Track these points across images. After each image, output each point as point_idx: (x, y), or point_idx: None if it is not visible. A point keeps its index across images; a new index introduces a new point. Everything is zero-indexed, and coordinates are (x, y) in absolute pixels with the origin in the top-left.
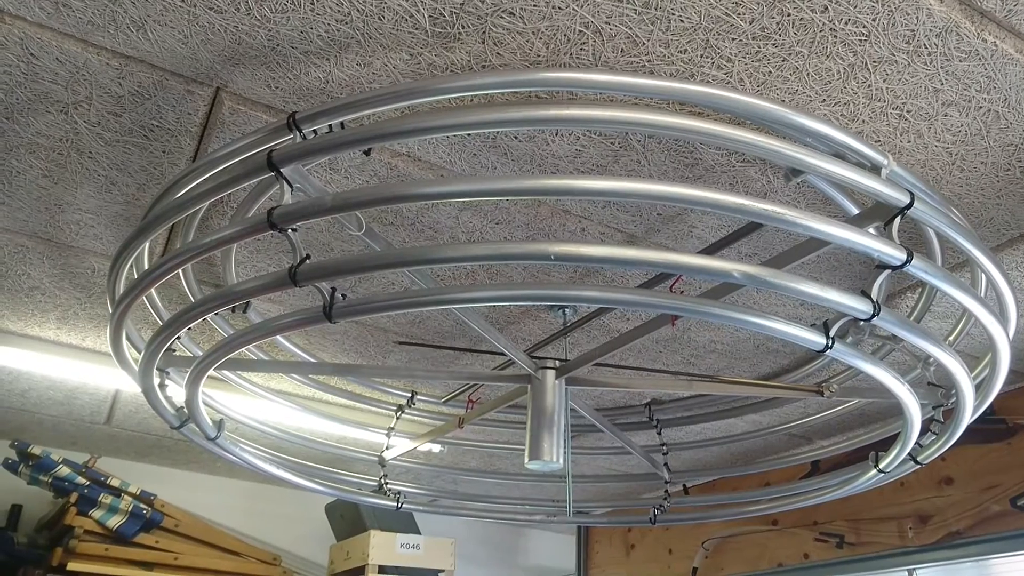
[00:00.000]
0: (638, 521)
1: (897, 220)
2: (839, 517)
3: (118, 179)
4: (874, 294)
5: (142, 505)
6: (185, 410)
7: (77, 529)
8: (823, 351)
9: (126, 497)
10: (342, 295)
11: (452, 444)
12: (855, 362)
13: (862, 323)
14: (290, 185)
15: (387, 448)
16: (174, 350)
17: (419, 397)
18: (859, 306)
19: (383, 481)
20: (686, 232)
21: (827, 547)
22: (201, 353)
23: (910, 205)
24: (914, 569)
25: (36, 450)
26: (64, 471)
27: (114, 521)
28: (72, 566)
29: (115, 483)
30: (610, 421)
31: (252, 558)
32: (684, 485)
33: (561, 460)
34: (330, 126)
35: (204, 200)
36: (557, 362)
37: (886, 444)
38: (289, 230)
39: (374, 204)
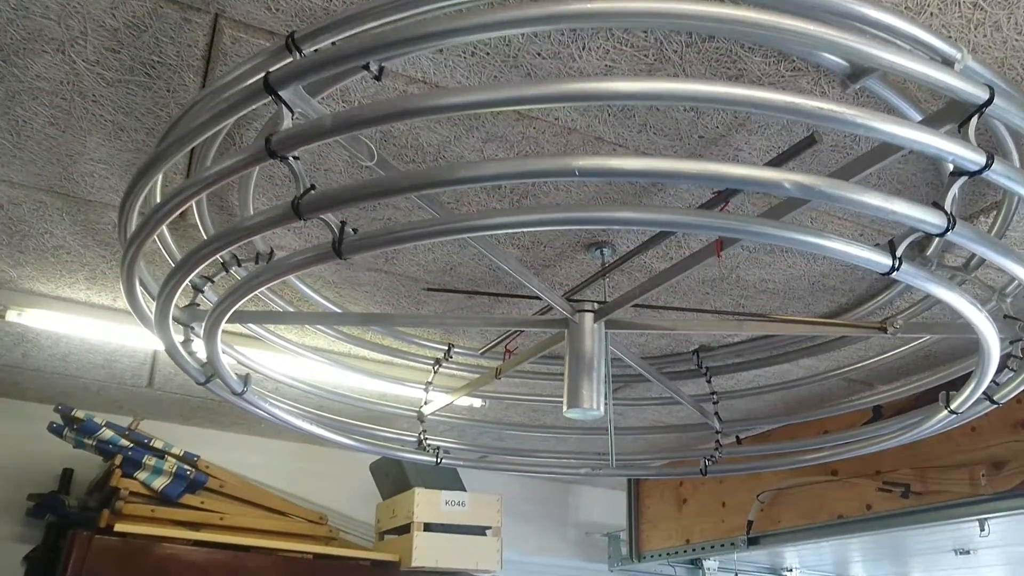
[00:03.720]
0: (688, 473)
1: (974, 120)
2: (904, 465)
3: (126, 124)
4: (947, 205)
5: (186, 466)
6: (211, 365)
7: (123, 491)
8: (888, 273)
9: (169, 459)
10: (353, 230)
11: (494, 398)
12: (925, 286)
13: (935, 238)
14: (291, 110)
15: (425, 403)
16: (198, 304)
17: (456, 350)
18: (931, 219)
19: (422, 437)
20: (731, 156)
21: (891, 497)
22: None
23: (989, 102)
24: (986, 519)
25: (80, 414)
26: (107, 434)
27: (159, 482)
28: (119, 527)
29: (158, 445)
30: (657, 370)
31: (298, 517)
32: (737, 436)
33: (602, 408)
34: (334, 44)
35: (204, 131)
36: (596, 305)
37: (956, 386)
38: (291, 158)
39: (379, 122)
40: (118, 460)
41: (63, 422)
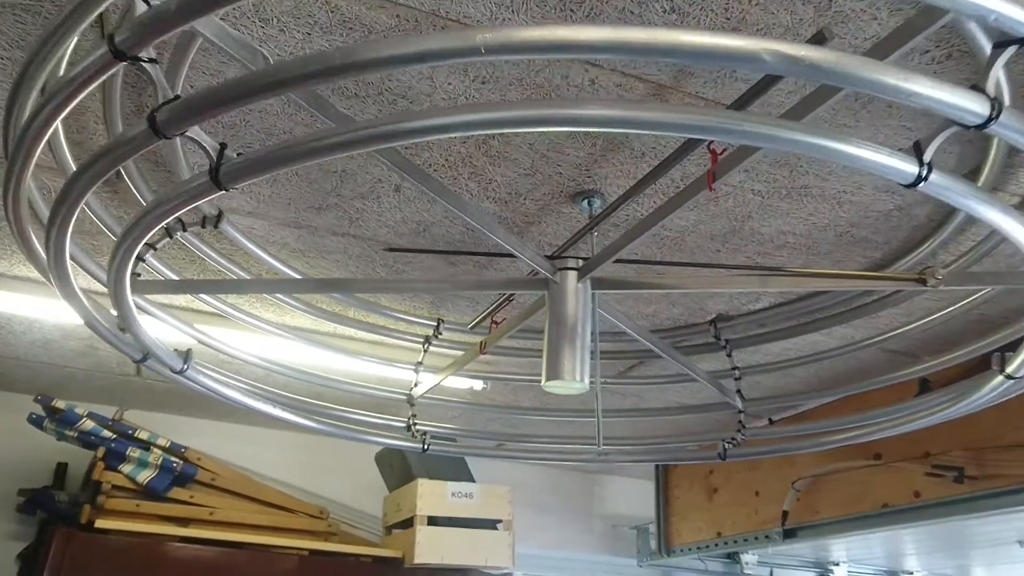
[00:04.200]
0: (705, 458)
1: None
2: (956, 447)
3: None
4: (990, 86)
5: (172, 458)
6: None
7: (105, 485)
8: (914, 184)
9: (155, 450)
10: (238, 154)
11: (497, 379)
12: (964, 202)
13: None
14: (147, 2)
15: (416, 385)
16: (139, 274)
17: (448, 326)
18: (968, 105)
19: (411, 422)
20: (727, 73)
21: (942, 483)
22: (178, 278)
23: None
24: None
25: (60, 404)
26: (88, 424)
27: (144, 476)
28: (101, 523)
29: (143, 436)
30: (670, 344)
31: (297, 512)
32: (769, 417)
33: (586, 380)
34: None
35: (63, 37)
36: (580, 262)
37: (1014, 348)
38: (144, 59)
39: None
40: (100, 452)
41: (44, 413)
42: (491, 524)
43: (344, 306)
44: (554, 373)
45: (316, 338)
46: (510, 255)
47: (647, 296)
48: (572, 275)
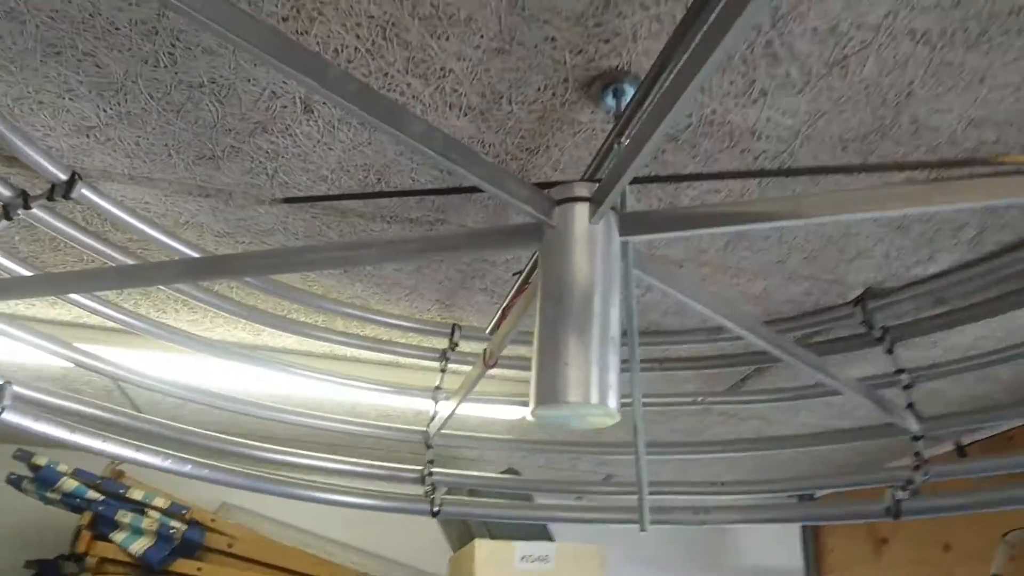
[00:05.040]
0: (858, 514)
1: None
2: None
3: None
4: None
5: (172, 522)
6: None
7: (90, 560)
8: None
9: (151, 512)
10: None
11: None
12: None
13: None
14: None
15: (433, 418)
16: None
17: (465, 334)
18: None
19: (427, 470)
20: None
21: None
22: (32, 273)
23: None
24: None
25: (41, 460)
26: (71, 484)
27: (138, 545)
28: None
29: (137, 495)
30: (793, 338)
31: None
32: (957, 443)
33: (612, 400)
34: None
35: None
36: (595, 186)
37: None
38: None
39: None
40: (86, 519)
41: (30, 470)
42: None
43: (328, 316)
44: (549, 393)
45: (283, 360)
46: (500, 194)
47: (751, 267)
48: (581, 211)
